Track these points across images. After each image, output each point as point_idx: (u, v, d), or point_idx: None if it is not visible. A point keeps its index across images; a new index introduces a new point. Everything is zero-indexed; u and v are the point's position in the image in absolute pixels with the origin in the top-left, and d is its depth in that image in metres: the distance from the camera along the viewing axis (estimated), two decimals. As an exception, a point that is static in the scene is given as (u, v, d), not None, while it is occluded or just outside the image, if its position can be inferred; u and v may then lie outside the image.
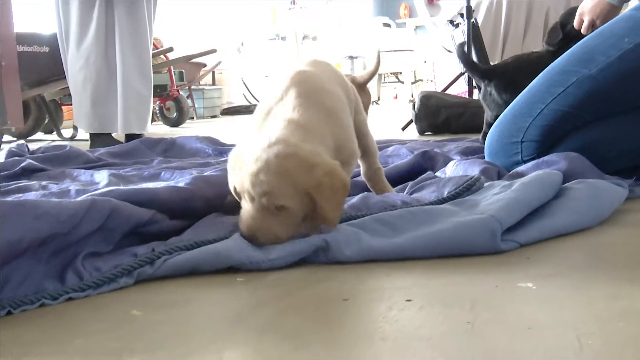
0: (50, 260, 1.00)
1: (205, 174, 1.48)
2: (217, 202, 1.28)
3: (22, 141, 2.77)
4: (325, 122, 1.22)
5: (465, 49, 3.37)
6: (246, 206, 1.14)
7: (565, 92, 1.70)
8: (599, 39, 1.73)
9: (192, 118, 7.31)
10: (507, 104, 1.91)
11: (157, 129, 5.73)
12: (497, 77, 2.39)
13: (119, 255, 1.07)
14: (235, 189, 1.19)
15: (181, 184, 1.28)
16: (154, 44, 3.91)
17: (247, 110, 7.96)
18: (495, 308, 0.88)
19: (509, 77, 2.34)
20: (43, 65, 4.71)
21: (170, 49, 6.06)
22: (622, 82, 1.67)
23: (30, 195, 1.60)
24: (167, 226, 1.19)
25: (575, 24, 2.10)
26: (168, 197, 1.21)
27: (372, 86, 9.87)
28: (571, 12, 2.24)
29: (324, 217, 1.13)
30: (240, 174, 1.14)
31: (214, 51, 6.42)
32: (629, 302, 0.87)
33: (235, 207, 1.23)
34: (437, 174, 1.70)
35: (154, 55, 4.50)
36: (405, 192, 1.55)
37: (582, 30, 2.05)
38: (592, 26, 2.01)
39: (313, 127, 1.19)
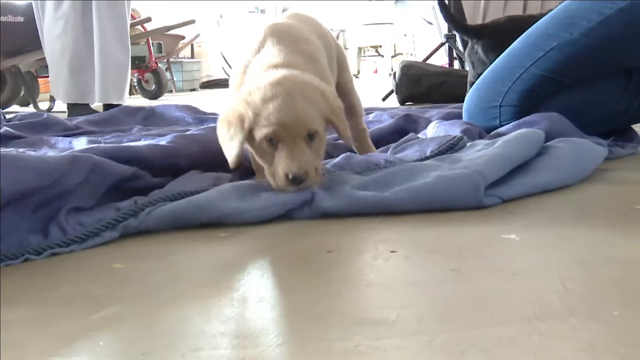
0: (34, 214, 0.99)
1: (187, 132, 1.47)
2: (202, 159, 1.27)
3: (-2, 109, 2.72)
4: (307, 65, 1.22)
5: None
6: (283, 150, 1.10)
7: (546, 56, 1.69)
8: (581, 2, 1.71)
9: (171, 91, 7.24)
10: (492, 63, 1.89)
11: (136, 102, 5.65)
12: (487, 37, 2.35)
13: (102, 209, 1.06)
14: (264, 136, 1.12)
15: (163, 142, 1.26)
16: (131, 15, 3.84)
17: (227, 83, 7.84)
18: (480, 256, 0.89)
19: (499, 38, 2.28)
20: (18, 35, 4.62)
21: (148, 19, 5.98)
22: (603, 47, 1.66)
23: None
24: (150, 182, 1.18)
25: None
26: (150, 154, 1.20)
27: (351, 60, 9.85)
28: None
29: (343, 135, 1.19)
30: (259, 115, 1.10)
31: (192, 22, 6.33)
32: (611, 249, 0.89)
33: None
34: (419, 135, 1.70)
35: (132, 26, 4.43)
36: (388, 152, 1.55)
37: None
38: None
39: (299, 68, 1.19)
